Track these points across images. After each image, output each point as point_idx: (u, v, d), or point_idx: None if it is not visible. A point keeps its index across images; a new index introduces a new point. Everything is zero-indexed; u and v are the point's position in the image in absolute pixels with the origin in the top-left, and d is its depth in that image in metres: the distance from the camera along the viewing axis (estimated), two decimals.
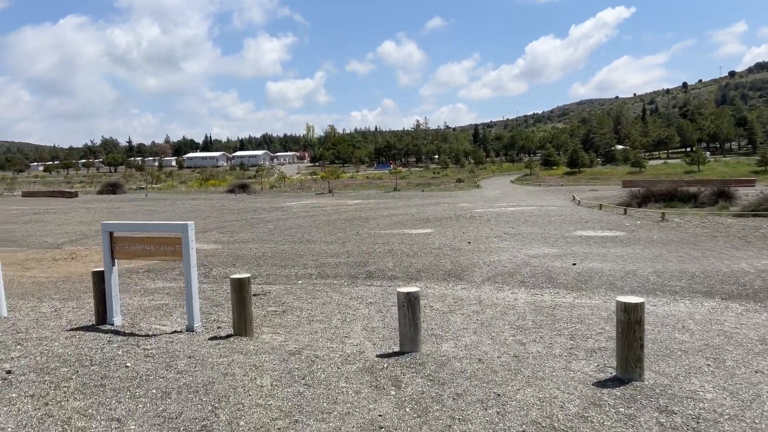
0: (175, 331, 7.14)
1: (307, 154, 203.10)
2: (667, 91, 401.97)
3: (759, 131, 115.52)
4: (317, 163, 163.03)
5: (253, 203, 39.78)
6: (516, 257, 13.61)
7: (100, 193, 60.64)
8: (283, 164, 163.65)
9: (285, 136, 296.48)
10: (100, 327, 7.39)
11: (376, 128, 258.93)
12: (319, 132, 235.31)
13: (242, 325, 6.84)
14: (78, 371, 5.49)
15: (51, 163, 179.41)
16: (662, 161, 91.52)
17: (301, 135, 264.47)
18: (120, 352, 6.08)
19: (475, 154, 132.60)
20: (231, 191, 55.18)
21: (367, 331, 7.40)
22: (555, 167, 73.77)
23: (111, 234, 7.61)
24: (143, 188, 70.53)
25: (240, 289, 6.78)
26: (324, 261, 13.80)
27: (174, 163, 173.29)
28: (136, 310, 8.86)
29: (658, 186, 27.66)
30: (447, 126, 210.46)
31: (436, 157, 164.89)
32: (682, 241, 16.07)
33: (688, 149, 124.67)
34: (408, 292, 5.95)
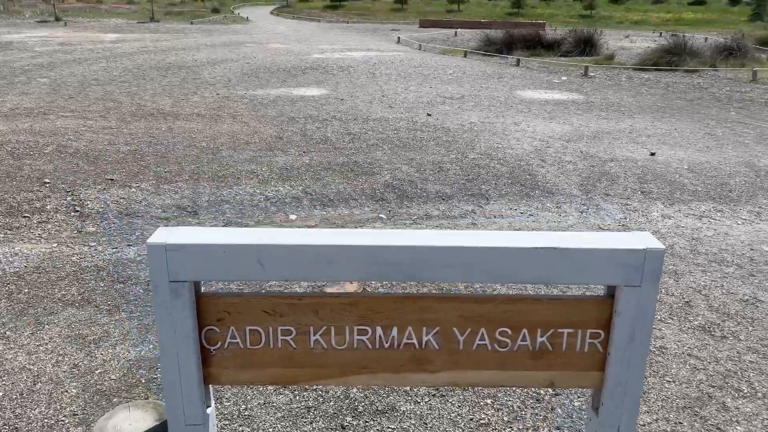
0: None
1: None
2: None
3: None
4: None
5: None
6: (545, 142, 9.81)
7: None
8: None
9: None
10: None
11: None
12: None
13: None
14: None
15: None
16: None
17: None
18: None
19: None
20: None
21: None
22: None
23: (197, 290, 1.77)
24: None
25: None
26: (261, 160, 8.20)
27: None
28: None
29: (518, 30, 25.24)
30: None
31: None
32: (672, 107, 13.24)
33: None
34: None
